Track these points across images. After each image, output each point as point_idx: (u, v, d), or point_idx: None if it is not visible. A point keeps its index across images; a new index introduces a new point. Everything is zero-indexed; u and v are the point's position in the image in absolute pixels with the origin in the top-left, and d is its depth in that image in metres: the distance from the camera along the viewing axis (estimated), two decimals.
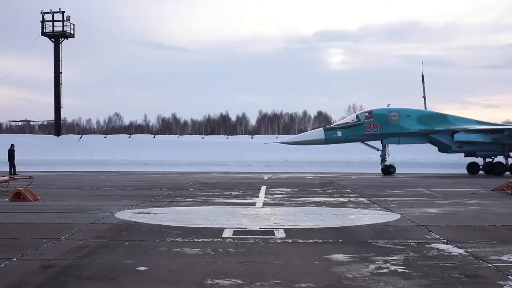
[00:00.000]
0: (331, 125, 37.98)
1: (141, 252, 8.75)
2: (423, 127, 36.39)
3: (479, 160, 38.45)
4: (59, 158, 55.12)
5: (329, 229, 11.24)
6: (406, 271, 7.44)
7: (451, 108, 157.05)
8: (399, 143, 37.20)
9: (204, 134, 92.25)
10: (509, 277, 7.09)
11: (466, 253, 8.60)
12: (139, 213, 13.76)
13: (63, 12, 68.11)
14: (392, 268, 7.62)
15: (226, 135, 79.79)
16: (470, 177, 33.01)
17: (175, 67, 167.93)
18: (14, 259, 8.11)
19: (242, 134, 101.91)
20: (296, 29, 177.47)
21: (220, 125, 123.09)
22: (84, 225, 11.48)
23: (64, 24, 67.82)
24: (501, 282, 6.83)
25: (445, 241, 9.70)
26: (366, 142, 37.20)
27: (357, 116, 36.93)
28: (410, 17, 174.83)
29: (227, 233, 10.52)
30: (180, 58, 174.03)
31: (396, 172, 36.47)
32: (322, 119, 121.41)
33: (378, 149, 37.24)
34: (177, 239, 9.96)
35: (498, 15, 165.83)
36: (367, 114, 36.58)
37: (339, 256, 8.41)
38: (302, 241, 9.76)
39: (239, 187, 23.26)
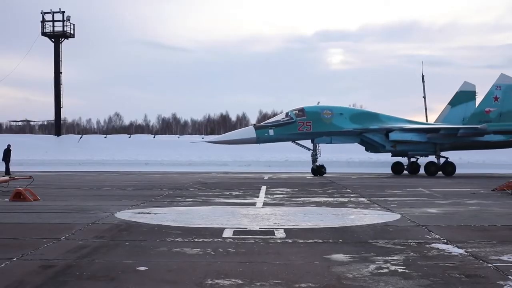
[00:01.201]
0: (262, 123, 36.08)
1: (141, 252, 8.75)
2: (357, 126, 35.56)
3: (405, 160, 38.34)
4: (59, 158, 55.15)
5: (329, 229, 11.24)
6: (406, 271, 7.44)
7: None
8: (331, 142, 36.25)
9: (204, 134, 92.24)
10: (509, 277, 7.09)
11: (466, 253, 8.60)
12: (139, 213, 13.76)
13: (63, 12, 68.18)
14: (392, 268, 7.62)
15: None
16: (470, 178, 32.95)
17: (175, 67, 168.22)
18: (14, 259, 8.11)
19: None
20: (296, 29, 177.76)
21: (220, 125, 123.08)
22: (84, 225, 11.48)
23: (64, 24, 67.87)
24: (501, 282, 6.83)
25: (445, 241, 9.70)
26: (298, 141, 36.12)
27: (288, 114, 35.35)
28: (410, 17, 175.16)
29: (227, 233, 10.52)
30: (180, 58, 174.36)
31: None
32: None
33: (309, 149, 36.01)
34: (177, 239, 9.95)
35: (498, 15, 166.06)
36: (299, 112, 35.15)
37: (339, 256, 8.40)
38: (302, 241, 9.76)
39: (239, 187, 23.26)
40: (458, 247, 9.08)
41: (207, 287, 6.65)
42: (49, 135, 75.03)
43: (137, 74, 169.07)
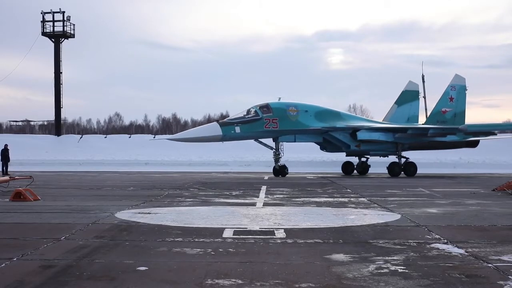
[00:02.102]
0: (227, 119, 33.33)
1: (141, 252, 8.75)
2: (323, 124, 34.15)
3: (356, 160, 37.30)
4: (59, 158, 55.14)
5: (329, 229, 11.24)
6: (407, 271, 7.44)
7: None
8: (295, 141, 34.40)
9: None
10: (510, 277, 7.09)
11: (466, 253, 8.60)
12: (139, 213, 13.76)
13: (63, 12, 68.18)
14: (393, 268, 7.62)
15: None
16: (470, 177, 32.92)
17: (175, 67, 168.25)
18: (14, 259, 8.11)
19: None
20: (296, 29, 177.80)
21: None
22: (84, 225, 11.48)
23: (65, 24, 67.87)
24: (501, 282, 6.83)
25: (445, 241, 9.70)
26: (261, 140, 34.27)
27: (251, 111, 32.98)
28: (410, 17, 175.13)
29: (227, 233, 10.53)
30: (180, 58, 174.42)
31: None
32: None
33: (272, 148, 34.16)
34: (177, 239, 9.96)
35: (498, 15, 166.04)
36: (264, 108, 33.00)
37: (339, 256, 8.41)
38: (302, 241, 9.76)
39: (239, 187, 23.26)
40: (458, 247, 9.08)
41: (207, 287, 6.65)
42: (49, 135, 75.03)
43: (137, 74, 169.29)
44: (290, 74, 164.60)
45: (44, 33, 68.19)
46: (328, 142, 35.03)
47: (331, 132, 34.18)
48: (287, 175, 33.13)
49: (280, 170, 33.36)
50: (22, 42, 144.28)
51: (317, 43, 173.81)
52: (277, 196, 19.16)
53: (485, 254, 8.49)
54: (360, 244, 9.42)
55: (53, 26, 68.02)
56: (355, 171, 37.22)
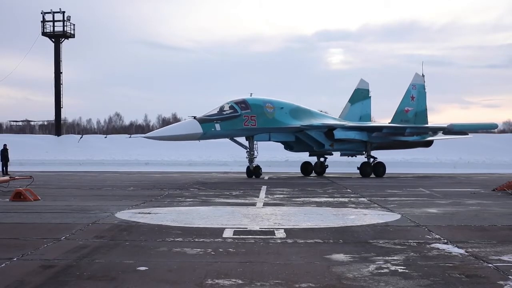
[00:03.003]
0: (204, 116, 29.87)
1: (141, 252, 8.75)
2: (299, 122, 32.38)
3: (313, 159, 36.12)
4: (59, 158, 55.17)
5: (330, 229, 11.24)
6: (407, 271, 7.44)
7: (451, 108, 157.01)
8: (269, 140, 32.37)
9: None
10: (510, 277, 7.09)
11: (467, 253, 8.60)
12: (139, 213, 13.76)
13: (63, 12, 68.21)
14: (393, 268, 7.62)
15: None
16: (470, 177, 32.91)
17: (175, 67, 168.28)
18: (15, 259, 8.11)
19: None
20: (296, 29, 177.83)
21: None
22: (85, 225, 11.48)
23: (65, 24, 67.90)
24: (502, 282, 6.83)
25: (445, 241, 9.70)
26: (236, 138, 31.84)
27: (227, 106, 30.41)
28: (410, 17, 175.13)
29: (228, 233, 10.53)
30: (180, 58, 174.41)
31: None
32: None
33: (246, 147, 31.80)
34: (178, 239, 9.96)
35: (498, 15, 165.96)
36: (242, 104, 30.58)
37: (340, 256, 8.41)
38: (302, 241, 9.76)
39: (239, 187, 23.26)
40: (459, 247, 9.08)
41: (207, 287, 6.65)
42: (49, 135, 75.03)
43: (137, 74, 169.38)
44: (290, 74, 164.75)
45: (44, 33, 68.23)
46: (299, 141, 33.25)
47: (307, 131, 32.44)
48: (261, 176, 31.32)
49: (254, 171, 31.21)
50: (22, 42, 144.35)
51: (317, 43, 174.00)
52: (277, 196, 19.16)
53: (485, 254, 8.49)
54: (360, 244, 9.42)
55: (53, 26, 68.08)
56: (314, 172, 35.73)
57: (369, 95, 38.40)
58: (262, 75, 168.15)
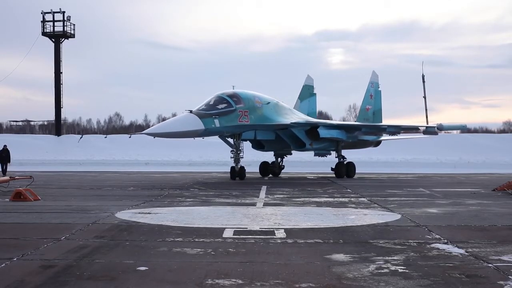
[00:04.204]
0: (200, 110, 26.57)
1: (141, 252, 8.75)
2: (283, 119, 29.96)
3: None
4: (59, 158, 55.21)
5: (330, 229, 11.24)
6: (407, 271, 7.44)
7: (452, 108, 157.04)
8: (255, 138, 29.48)
9: None
10: (510, 277, 7.09)
11: (467, 253, 8.60)
12: (139, 213, 13.76)
13: (63, 12, 68.28)
14: (393, 268, 7.62)
15: None
16: (470, 177, 32.88)
17: (175, 67, 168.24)
18: (15, 259, 8.11)
19: None
20: (296, 29, 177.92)
21: None
22: (85, 225, 11.48)
23: (65, 24, 67.95)
24: (502, 282, 6.83)
25: (445, 241, 9.70)
26: (227, 136, 28.76)
27: (220, 100, 27.21)
28: (410, 17, 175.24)
29: (228, 233, 10.52)
30: (180, 58, 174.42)
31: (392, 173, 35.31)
32: (322, 119, 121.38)
33: (232, 146, 28.91)
34: (178, 239, 9.96)
35: (498, 15, 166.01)
36: (234, 98, 27.59)
37: (340, 256, 8.40)
38: (302, 241, 9.76)
39: (240, 187, 23.25)
40: (459, 247, 9.08)
41: (208, 287, 6.65)
42: (49, 135, 75.11)
43: (137, 74, 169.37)
44: (290, 74, 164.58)
45: (44, 33, 68.30)
46: (278, 140, 30.70)
47: (292, 128, 29.98)
48: (246, 178, 28.73)
49: (239, 172, 28.36)
50: (22, 42, 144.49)
51: (317, 43, 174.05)
52: (277, 196, 19.16)
53: (485, 254, 8.49)
54: (360, 244, 9.42)
55: (53, 26, 68.17)
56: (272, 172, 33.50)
57: (314, 91, 36.48)
58: (262, 75, 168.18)
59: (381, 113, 37.84)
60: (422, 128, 33.60)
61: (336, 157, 32.79)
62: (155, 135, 27.04)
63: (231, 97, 27.44)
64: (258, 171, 33.87)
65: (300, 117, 32.31)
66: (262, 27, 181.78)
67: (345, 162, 32.13)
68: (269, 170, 33.54)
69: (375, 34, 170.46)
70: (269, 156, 35.34)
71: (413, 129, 35.23)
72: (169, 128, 26.11)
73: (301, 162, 48.52)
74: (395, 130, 33.41)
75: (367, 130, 33.46)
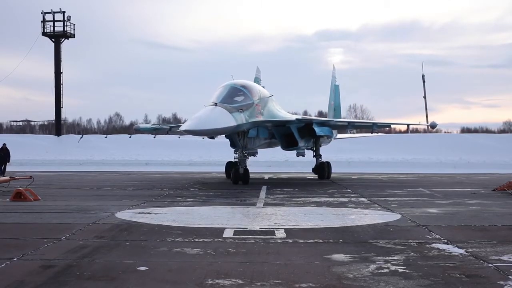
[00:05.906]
0: (224, 102, 22.58)
1: (142, 252, 8.76)
2: (284, 115, 27.83)
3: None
4: (59, 158, 55.18)
5: (330, 229, 11.24)
6: (407, 271, 7.44)
7: (452, 108, 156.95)
8: (257, 135, 25.52)
9: None
10: (510, 277, 7.09)
11: (467, 253, 8.60)
12: (139, 213, 13.77)
13: (63, 12, 68.18)
14: (393, 268, 7.62)
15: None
16: (471, 177, 32.84)
17: (175, 67, 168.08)
18: (15, 259, 8.11)
19: None
20: (296, 29, 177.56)
21: None
22: (85, 225, 11.49)
23: (65, 24, 67.88)
24: (502, 282, 6.84)
25: (445, 241, 9.70)
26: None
27: (238, 90, 23.55)
28: (410, 16, 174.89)
29: (228, 233, 10.53)
30: (180, 58, 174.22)
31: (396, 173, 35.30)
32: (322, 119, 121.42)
33: (238, 146, 25.60)
34: (178, 239, 9.96)
35: (498, 15, 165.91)
36: (248, 88, 24.06)
37: (340, 256, 8.41)
38: (302, 241, 9.76)
39: (240, 187, 23.24)
40: (459, 247, 9.08)
41: (208, 287, 6.66)
42: (49, 135, 74.99)
43: (137, 74, 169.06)
44: (290, 74, 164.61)
45: (44, 33, 68.21)
46: (269, 138, 27.59)
47: (289, 125, 27.51)
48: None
49: (244, 175, 24.72)
50: (22, 42, 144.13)
51: (318, 43, 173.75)
52: (277, 196, 19.16)
53: (485, 254, 8.49)
54: (361, 244, 9.43)
55: (53, 26, 68.05)
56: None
57: (260, 83, 30.93)
58: (262, 75, 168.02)
59: (340, 109, 37.34)
60: (412, 126, 33.59)
61: (313, 157, 30.96)
62: (193, 133, 22.75)
63: (245, 88, 23.94)
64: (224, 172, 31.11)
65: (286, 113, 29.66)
66: (262, 27, 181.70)
67: (324, 162, 30.50)
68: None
69: (375, 34, 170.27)
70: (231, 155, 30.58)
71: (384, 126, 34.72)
72: (208, 125, 21.75)
73: (300, 162, 48.47)
74: (385, 126, 33.57)
75: (354, 127, 33.03)
